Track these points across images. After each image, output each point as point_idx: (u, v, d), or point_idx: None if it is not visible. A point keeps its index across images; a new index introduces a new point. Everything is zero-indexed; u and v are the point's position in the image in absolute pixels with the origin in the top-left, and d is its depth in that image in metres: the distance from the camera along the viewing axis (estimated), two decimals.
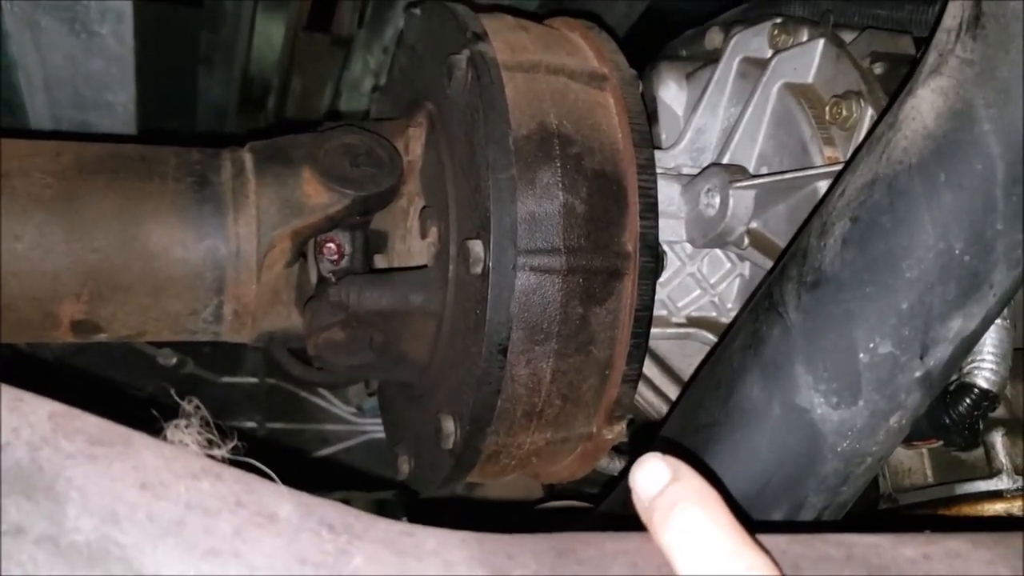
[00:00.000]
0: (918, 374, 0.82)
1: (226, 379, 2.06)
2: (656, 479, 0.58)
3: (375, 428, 2.10)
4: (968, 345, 0.84)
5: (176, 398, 0.54)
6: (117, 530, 0.47)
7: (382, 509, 2.45)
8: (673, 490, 0.57)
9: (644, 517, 0.58)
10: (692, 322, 1.29)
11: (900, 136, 0.82)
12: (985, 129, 0.77)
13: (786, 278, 0.89)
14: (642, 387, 1.29)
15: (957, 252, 0.79)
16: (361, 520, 0.52)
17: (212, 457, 0.54)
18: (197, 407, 0.55)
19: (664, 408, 1.31)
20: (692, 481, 0.58)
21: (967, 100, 0.78)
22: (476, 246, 1.01)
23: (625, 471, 1.15)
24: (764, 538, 0.59)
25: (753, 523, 0.55)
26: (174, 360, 1.96)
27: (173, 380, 1.93)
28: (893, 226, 0.81)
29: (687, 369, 1.32)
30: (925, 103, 0.81)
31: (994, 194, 0.78)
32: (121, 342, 1.61)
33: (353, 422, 2.13)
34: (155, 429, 0.55)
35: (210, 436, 0.56)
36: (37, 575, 0.45)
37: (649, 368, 1.30)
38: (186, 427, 0.55)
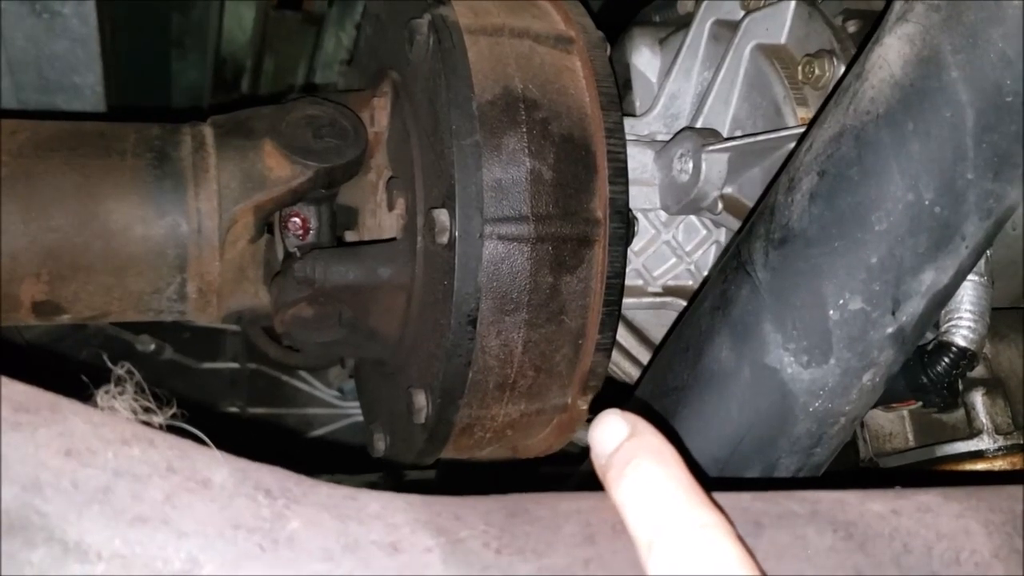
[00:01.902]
0: (890, 330, 0.80)
1: (207, 365, 2.03)
2: (613, 435, 0.56)
3: (358, 410, 2.08)
4: (941, 299, 0.82)
5: (108, 363, 0.52)
6: (39, 498, 0.45)
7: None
8: (629, 446, 0.55)
9: (600, 474, 0.56)
10: (668, 291, 1.27)
11: (867, 86, 0.80)
12: (953, 76, 0.75)
13: (754, 236, 0.87)
14: (619, 357, 1.27)
15: (927, 203, 0.77)
16: (301, 485, 0.50)
17: (147, 424, 0.52)
18: (130, 372, 0.53)
19: None
20: (648, 437, 0.56)
21: (934, 46, 0.76)
22: (442, 215, 0.99)
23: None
24: (728, 495, 0.57)
25: (710, 480, 0.53)
26: (152, 346, 1.94)
27: (152, 366, 1.91)
28: (861, 178, 0.79)
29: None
30: (892, 51, 0.79)
31: (964, 142, 0.75)
32: (93, 325, 1.59)
33: (336, 405, 2.11)
34: (87, 396, 0.53)
35: (146, 403, 0.54)
36: None
37: (626, 338, 1.28)
38: (119, 393, 0.52)
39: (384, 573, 0.46)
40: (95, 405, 0.52)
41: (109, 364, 0.53)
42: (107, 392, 0.52)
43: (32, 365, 0.64)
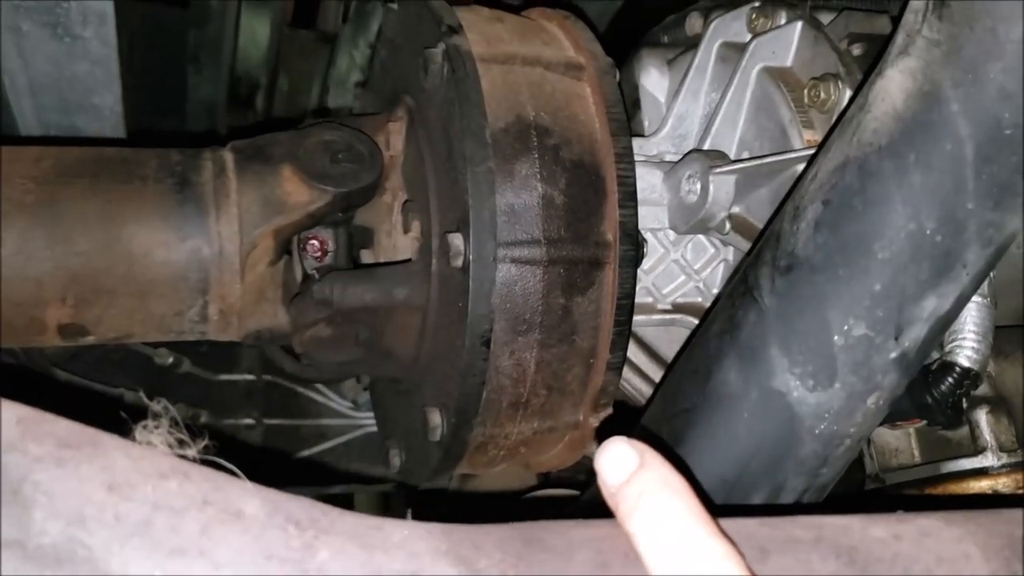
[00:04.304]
0: (893, 355, 0.82)
1: (222, 377, 2.06)
2: (622, 465, 0.59)
3: (372, 421, 2.10)
4: (943, 325, 0.84)
5: (145, 399, 0.55)
6: (84, 532, 0.48)
7: (385, 502, 2.46)
8: (639, 477, 0.57)
9: (611, 504, 0.58)
10: (677, 308, 1.30)
11: (870, 118, 0.82)
12: (953, 109, 0.78)
13: (760, 262, 0.89)
14: (629, 374, 1.29)
15: (929, 232, 0.79)
16: (328, 515, 0.53)
17: (183, 457, 0.55)
18: (166, 408, 0.55)
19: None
20: (658, 469, 0.58)
21: (935, 81, 0.78)
22: (456, 239, 1.02)
23: None
24: (734, 521, 0.59)
25: (716, 508, 0.56)
26: (170, 359, 1.96)
27: (169, 379, 1.93)
28: (864, 208, 0.81)
29: (673, 355, 1.32)
30: (894, 84, 0.81)
31: (964, 174, 0.78)
32: (114, 344, 1.62)
33: (351, 416, 2.13)
34: (126, 430, 0.55)
35: (180, 436, 0.56)
36: None
37: (636, 355, 1.30)
38: (155, 427, 0.55)
39: None
40: (133, 439, 0.55)
41: (145, 400, 0.56)
42: (144, 427, 0.54)
43: (63, 394, 0.66)
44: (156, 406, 0.55)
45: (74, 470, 0.50)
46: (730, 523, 0.58)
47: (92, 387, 1.60)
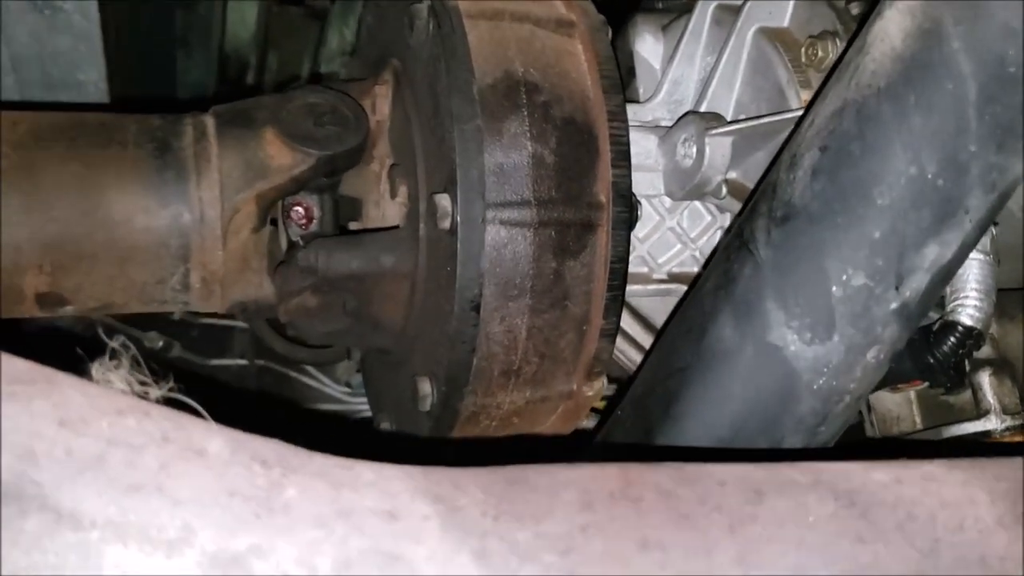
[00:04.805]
0: (894, 305, 0.79)
1: (214, 361, 2.03)
2: None
3: (367, 406, 2.07)
4: (946, 274, 0.81)
5: (103, 337, 0.52)
6: (33, 467, 0.45)
7: None
8: None
9: None
10: (673, 277, 1.27)
11: (868, 60, 0.80)
12: (955, 47, 0.75)
13: (756, 214, 0.86)
14: (624, 345, 1.26)
15: (930, 177, 0.76)
16: (298, 455, 0.50)
17: (143, 397, 0.52)
18: (125, 345, 0.52)
19: None
20: None
21: (935, 18, 0.75)
22: (443, 200, 0.99)
23: (599, 426, 1.13)
24: (727, 465, 0.57)
25: (712, 451, 0.53)
26: (160, 343, 1.94)
27: (160, 363, 1.91)
28: (863, 153, 0.78)
29: None
30: (893, 24, 0.78)
31: (966, 114, 0.75)
32: (101, 322, 1.59)
33: (345, 401, 2.10)
34: (83, 371, 0.53)
35: (142, 377, 0.53)
36: None
37: (631, 325, 1.27)
38: (115, 366, 0.52)
39: (380, 539, 0.46)
40: (91, 378, 0.52)
41: (104, 338, 0.53)
42: (102, 365, 0.52)
43: (31, 343, 0.64)
44: (114, 343, 0.52)
45: (25, 405, 0.47)
46: (724, 466, 0.56)
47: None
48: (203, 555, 0.44)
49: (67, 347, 0.62)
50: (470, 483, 0.51)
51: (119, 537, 0.44)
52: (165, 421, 0.49)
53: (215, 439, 0.49)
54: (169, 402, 0.53)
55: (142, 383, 0.53)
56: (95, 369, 0.51)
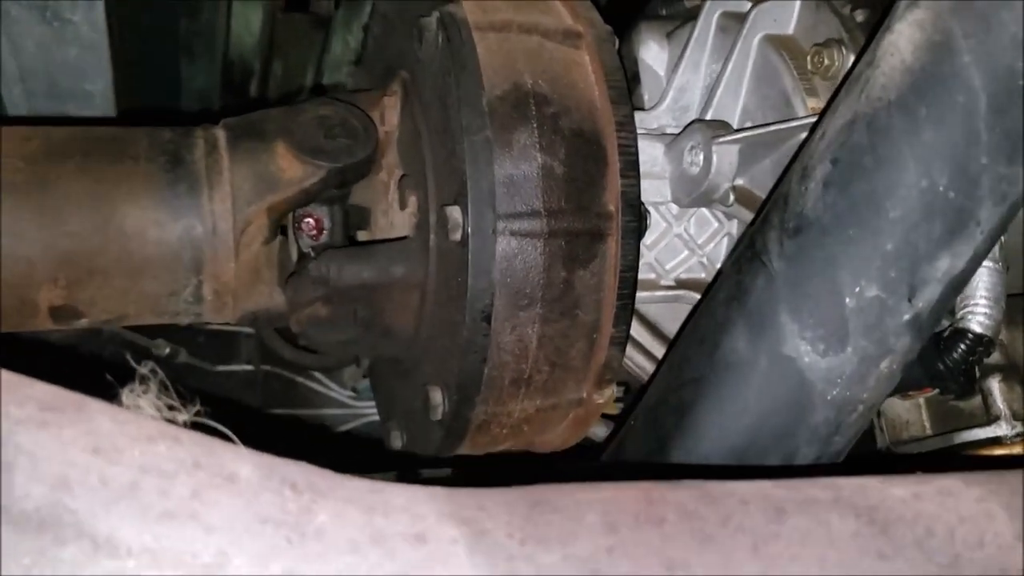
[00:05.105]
0: (907, 317, 0.80)
1: (221, 368, 2.04)
2: None
3: (373, 410, 2.08)
4: (957, 285, 0.82)
5: (132, 363, 0.52)
6: (68, 496, 0.45)
7: None
8: None
9: None
10: (681, 284, 1.27)
11: (879, 73, 0.80)
12: (965, 60, 0.75)
13: (768, 226, 0.87)
14: (633, 352, 1.27)
15: (941, 189, 0.77)
16: (326, 479, 0.51)
17: (171, 422, 0.53)
18: (154, 371, 0.53)
19: None
20: None
21: (945, 31, 0.76)
22: (454, 212, 0.99)
23: (611, 437, 1.14)
24: (750, 483, 0.57)
25: (730, 469, 0.53)
26: (167, 350, 1.94)
27: (167, 370, 1.91)
28: (874, 166, 0.79)
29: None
30: (903, 37, 0.79)
31: (977, 127, 0.75)
32: (108, 331, 1.60)
33: (351, 405, 2.11)
34: (112, 395, 0.53)
35: (170, 401, 0.54)
36: None
37: (639, 332, 1.28)
38: (144, 392, 0.53)
39: (410, 564, 0.46)
40: (120, 404, 0.52)
41: (132, 363, 0.54)
42: (131, 391, 0.52)
43: (55, 367, 0.64)
44: (143, 369, 0.53)
45: (57, 433, 0.47)
46: (745, 484, 0.56)
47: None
48: None
49: (90, 371, 0.62)
50: (494, 505, 0.52)
51: (155, 564, 0.44)
52: (195, 447, 0.50)
53: (245, 464, 0.49)
54: (197, 426, 0.53)
55: (170, 407, 0.54)
56: (125, 395, 0.52)
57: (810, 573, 0.52)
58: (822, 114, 0.89)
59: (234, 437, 0.52)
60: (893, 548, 0.55)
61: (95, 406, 0.50)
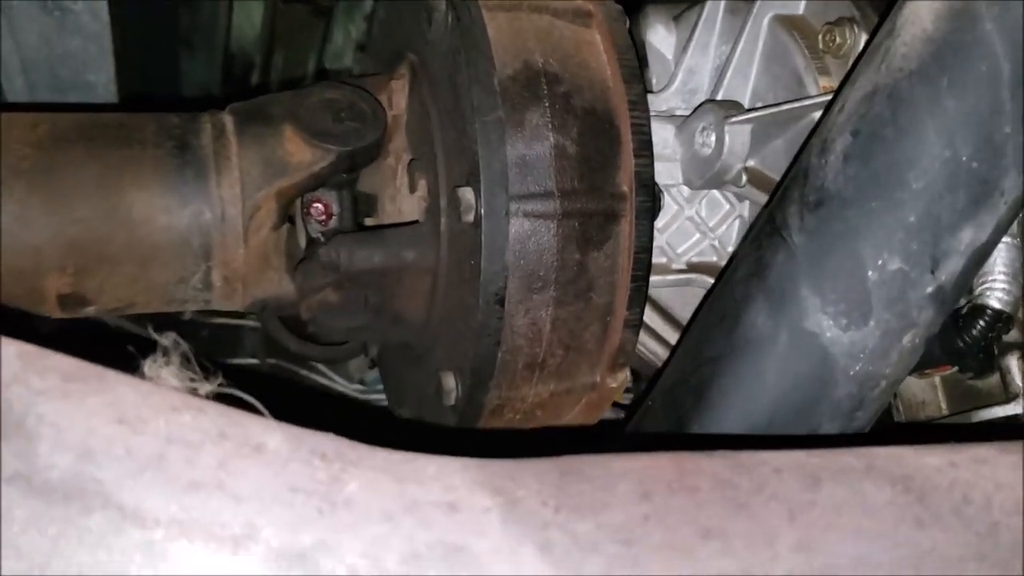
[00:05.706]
0: (930, 289, 0.79)
1: (225, 361, 2.03)
2: None
3: (380, 402, 2.07)
4: (981, 256, 0.81)
5: (153, 334, 0.51)
6: (94, 466, 0.44)
7: None
8: None
9: None
10: (692, 267, 1.26)
11: (899, 43, 0.79)
12: (988, 28, 0.74)
13: (788, 201, 0.85)
14: (645, 336, 1.26)
15: (964, 159, 0.76)
16: (356, 449, 0.50)
17: (194, 392, 0.52)
18: (176, 343, 0.52)
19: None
20: None
21: None
22: (467, 193, 0.98)
23: (626, 421, 1.13)
24: (783, 452, 0.56)
25: (761, 439, 0.52)
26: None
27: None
28: (896, 137, 0.78)
29: (689, 318, 1.29)
30: (924, 6, 0.78)
31: (1000, 96, 0.74)
32: (112, 323, 1.59)
33: (358, 398, 2.10)
34: (134, 367, 0.52)
35: (191, 373, 0.53)
36: (13, 514, 0.42)
37: (651, 317, 1.27)
38: (165, 364, 0.52)
39: (444, 533, 0.45)
40: (142, 376, 0.51)
41: (154, 335, 0.53)
42: (154, 362, 0.51)
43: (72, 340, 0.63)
44: (165, 341, 0.52)
45: (80, 403, 0.46)
46: (778, 454, 0.55)
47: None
48: (269, 551, 0.43)
49: (104, 343, 0.61)
50: (526, 475, 0.51)
51: (184, 535, 0.43)
52: (221, 418, 0.49)
53: (273, 435, 0.48)
54: (220, 398, 0.52)
55: (192, 379, 0.53)
56: (147, 366, 0.51)
57: (847, 541, 0.51)
58: (840, 87, 0.88)
59: (262, 407, 0.51)
60: (930, 516, 0.54)
61: (118, 377, 0.49)
